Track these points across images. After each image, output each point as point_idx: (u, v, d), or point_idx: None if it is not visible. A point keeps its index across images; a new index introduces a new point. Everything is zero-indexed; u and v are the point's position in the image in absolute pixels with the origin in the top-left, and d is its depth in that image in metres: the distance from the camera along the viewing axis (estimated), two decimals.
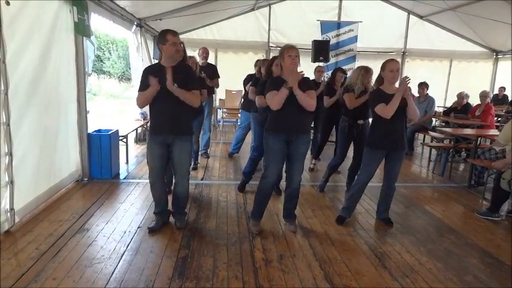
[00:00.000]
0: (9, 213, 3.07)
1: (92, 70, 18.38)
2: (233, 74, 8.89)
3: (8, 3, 2.81)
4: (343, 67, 9.94)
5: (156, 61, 6.34)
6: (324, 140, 5.48)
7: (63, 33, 3.96)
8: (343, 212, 3.65)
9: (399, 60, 10.03)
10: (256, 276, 2.64)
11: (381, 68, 3.39)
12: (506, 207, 3.94)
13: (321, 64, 7.39)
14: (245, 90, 5.51)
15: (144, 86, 3.09)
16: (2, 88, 2.91)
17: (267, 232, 3.36)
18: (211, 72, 5.60)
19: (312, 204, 4.11)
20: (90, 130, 4.67)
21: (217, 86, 5.88)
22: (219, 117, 9.27)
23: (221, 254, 2.93)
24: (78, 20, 4.09)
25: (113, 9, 5.39)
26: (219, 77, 5.78)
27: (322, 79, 5.80)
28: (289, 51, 3.06)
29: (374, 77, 4.37)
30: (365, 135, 4.57)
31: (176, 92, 3.00)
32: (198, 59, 5.58)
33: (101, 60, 19.53)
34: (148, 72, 3.14)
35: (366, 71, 4.26)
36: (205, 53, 5.64)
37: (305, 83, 3.14)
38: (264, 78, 3.68)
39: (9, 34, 2.95)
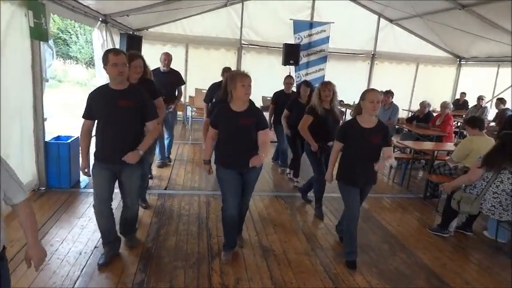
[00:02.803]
0: None
1: (57, 55, 17.54)
2: (204, 71, 8.79)
3: None
4: (315, 67, 10.20)
5: None
6: (298, 154, 5.24)
7: (18, 38, 3.76)
8: (351, 256, 3.30)
9: (368, 62, 10.28)
10: None
11: (361, 97, 3.13)
12: (455, 223, 4.17)
13: (290, 74, 7.08)
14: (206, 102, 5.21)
15: (88, 113, 2.89)
16: None
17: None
18: (175, 79, 5.37)
19: (274, 220, 4.18)
20: (51, 135, 4.53)
21: (181, 94, 5.65)
22: (188, 114, 9.15)
23: (178, 278, 2.94)
24: (34, 25, 3.88)
25: (75, 8, 5.14)
26: (184, 83, 5.56)
27: (291, 91, 5.72)
28: (243, 80, 2.85)
29: (339, 89, 4.30)
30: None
31: (142, 153, 2.87)
32: (160, 65, 5.32)
33: (67, 45, 18.68)
34: (93, 98, 2.87)
35: (322, 85, 4.12)
36: (167, 59, 5.25)
37: (260, 121, 3.00)
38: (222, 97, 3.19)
39: None
